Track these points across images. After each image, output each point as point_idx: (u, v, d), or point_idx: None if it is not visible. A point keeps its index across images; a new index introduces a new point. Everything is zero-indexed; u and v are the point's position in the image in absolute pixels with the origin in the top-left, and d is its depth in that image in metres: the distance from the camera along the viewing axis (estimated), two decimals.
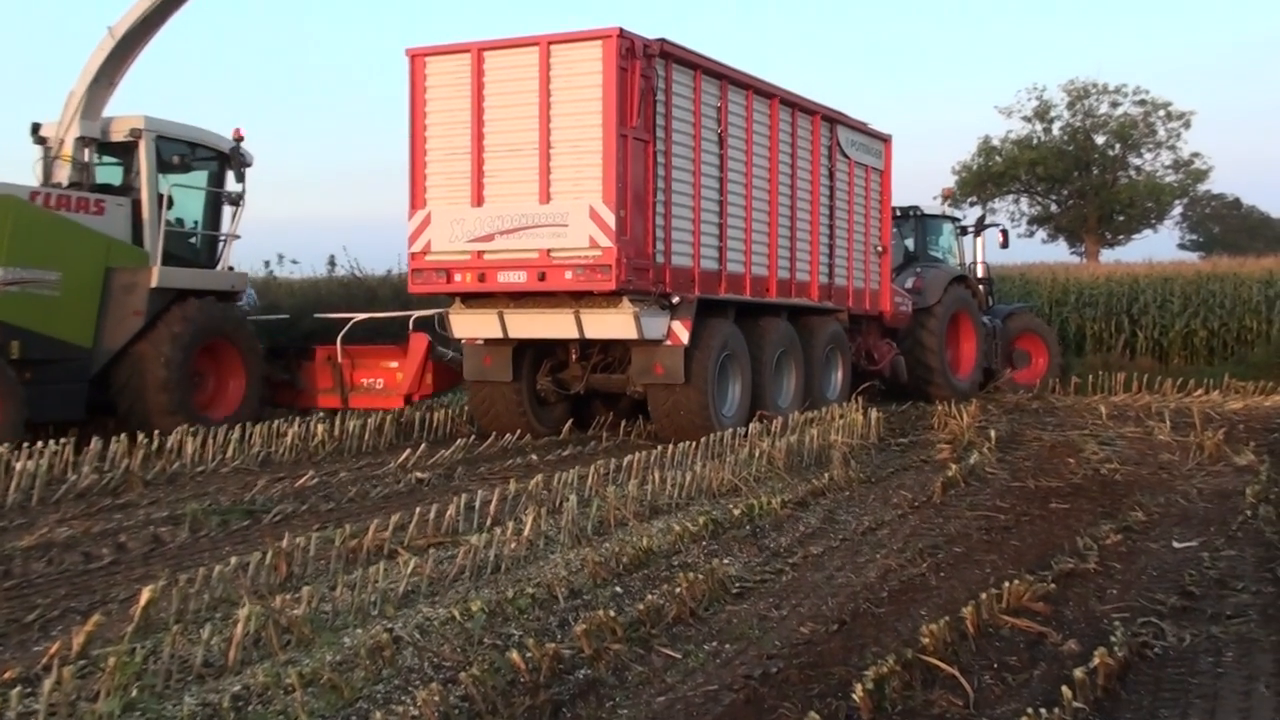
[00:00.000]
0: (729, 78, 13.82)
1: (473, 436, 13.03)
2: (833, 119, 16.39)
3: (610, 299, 12.35)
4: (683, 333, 12.72)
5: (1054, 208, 52.01)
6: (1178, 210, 53.02)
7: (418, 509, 8.30)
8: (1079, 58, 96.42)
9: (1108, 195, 49.20)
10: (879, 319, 18.18)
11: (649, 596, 6.46)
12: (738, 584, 6.94)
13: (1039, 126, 49.84)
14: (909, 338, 18.76)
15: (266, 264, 23.17)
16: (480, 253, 12.54)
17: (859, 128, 17.30)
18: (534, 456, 12.35)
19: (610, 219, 11.83)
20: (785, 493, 9.80)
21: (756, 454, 11.13)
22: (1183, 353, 25.69)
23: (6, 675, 5.24)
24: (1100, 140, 49.43)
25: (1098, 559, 7.55)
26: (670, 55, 12.72)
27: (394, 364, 14.89)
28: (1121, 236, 51.46)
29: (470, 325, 13.30)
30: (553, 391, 14.12)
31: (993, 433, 13.11)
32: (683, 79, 13.05)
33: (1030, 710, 4.59)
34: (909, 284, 19.16)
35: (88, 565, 7.56)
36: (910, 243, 20.71)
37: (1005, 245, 22.47)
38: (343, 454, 12.56)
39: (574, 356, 13.89)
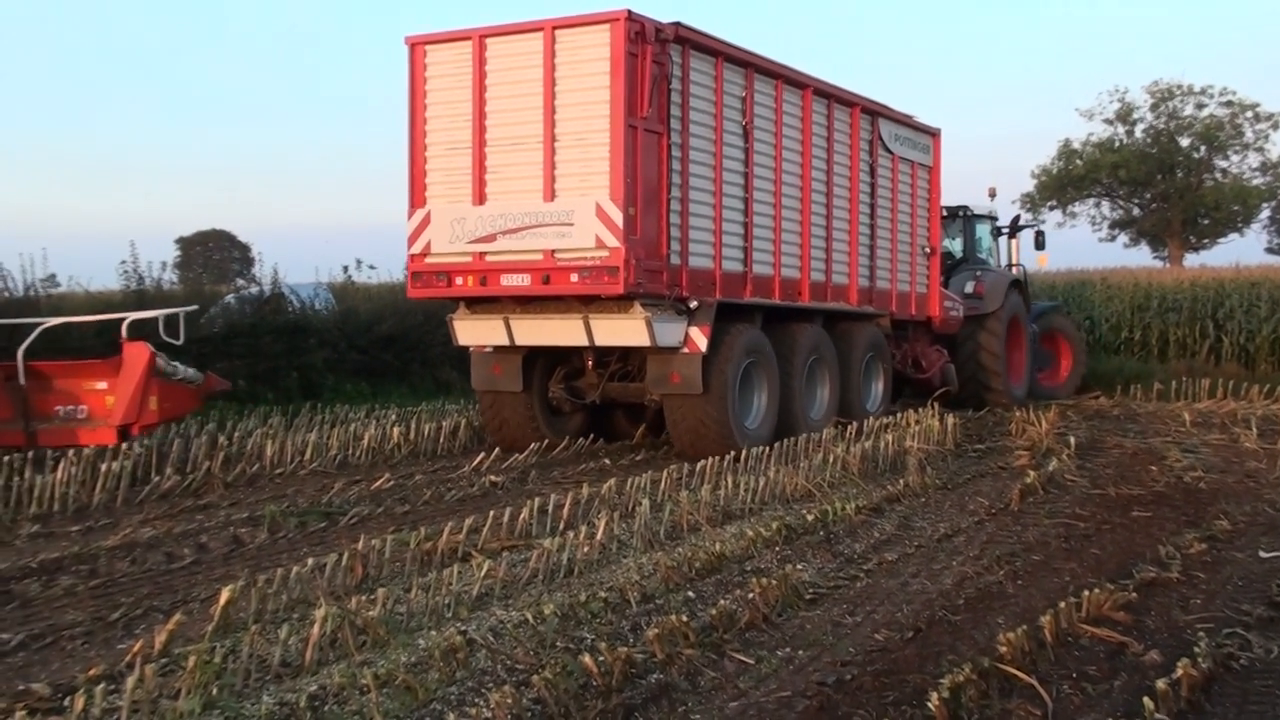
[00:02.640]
0: (755, 65, 12.88)
1: (545, 441, 12.98)
2: (874, 111, 15.52)
3: (621, 303, 11.44)
4: (700, 339, 11.84)
5: (1136, 211, 51.12)
6: (1265, 213, 51.79)
7: (491, 512, 8.36)
8: (1163, 59, 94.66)
9: (1192, 198, 48.28)
10: (927, 324, 17.33)
11: (721, 601, 6.44)
12: (811, 590, 6.89)
13: (1121, 129, 49.12)
14: (968, 344, 18.01)
15: (345, 269, 23.44)
16: (482, 254, 11.75)
17: (903, 121, 16.40)
18: (607, 460, 12.36)
19: (618, 217, 10.99)
20: (860, 498, 9.72)
21: (831, 459, 11.06)
22: (1270, 359, 25.03)
23: (92, 672, 5.35)
24: (1185, 142, 48.56)
25: (1181, 568, 7.39)
26: (687, 40, 11.82)
27: (103, 385, 11.24)
28: (1206, 240, 50.46)
29: (475, 332, 12.49)
30: (566, 400, 13.28)
31: (1072, 439, 12.89)
32: (702, 66, 12.16)
33: None
34: (969, 288, 18.35)
35: (170, 565, 7.70)
36: (958, 244, 19.97)
37: (1041, 247, 21.18)
38: (418, 457, 12.67)
39: (590, 363, 13.04)
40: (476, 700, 5.03)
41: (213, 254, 56.34)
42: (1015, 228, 21.25)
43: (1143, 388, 20.14)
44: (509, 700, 4.77)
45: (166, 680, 5.18)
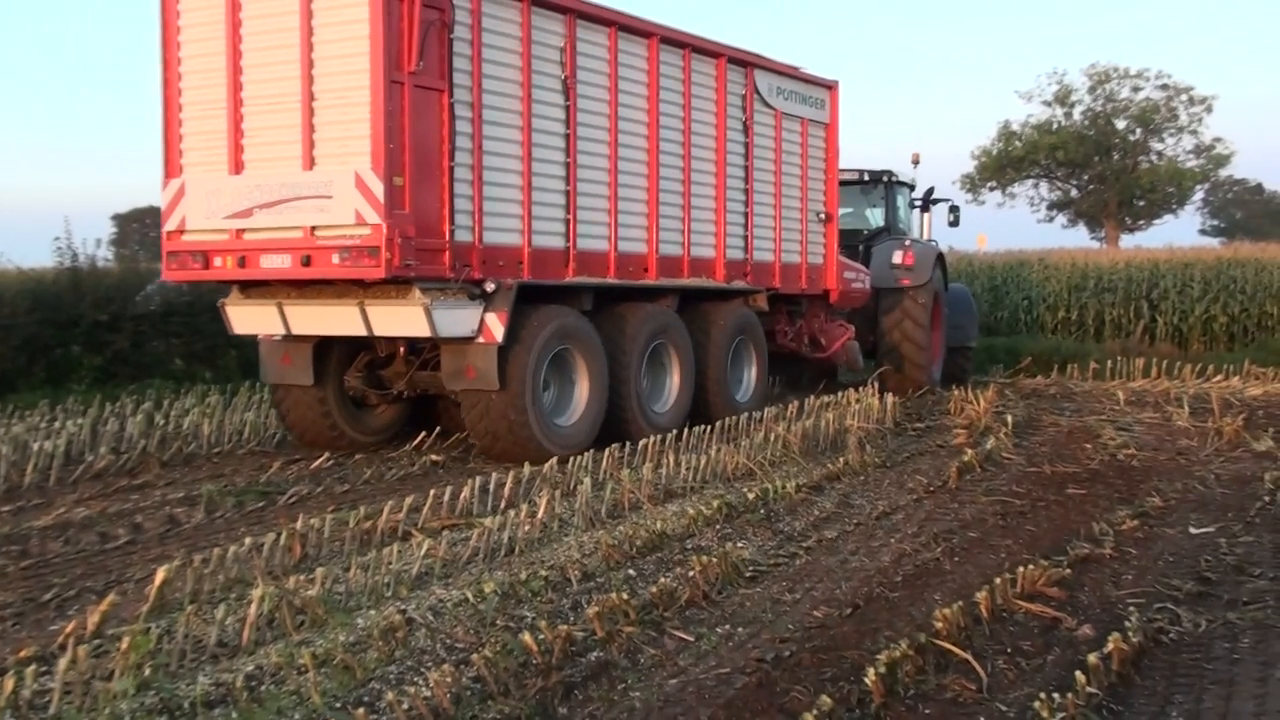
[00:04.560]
0: (577, 11, 11.15)
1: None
2: (746, 62, 13.61)
3: (400, 288, 9.90)
4: (497, 328, 10.18)
5: (1074, 193, 51.83)
6: (1199, 196, 52.94)
7: (432, 491, 8.32)
8: (1100, 42, 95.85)
9: (1128, 180, 49.01)
10: (825, 299, 15.62)
11: (662, 579, 6.46)
12: (751, 567, 6.94)
13: (1059, 111, 49.73)
14: (891, 316, 16.68)
15: None
16: (240, 231, 10.06)
17: (788, 73, 14.49)
18: None
19: (379, 189, 9.38)
20: (800, 476, 9.78)
21: (772, 438, 11.11)
22: (1202, 339, 25.51)
23: (22, 654, 5.27)
24: (1121, 125, 49.27)
25: (1113, 544, 7.52)
26: None
27: None
28: (1142, 222, 51.36)
29: (249, 319, 10.77)
30: (370, 392, 11.58)
31: (1009, 418, 13.05)
32: (500, 12, 10.45)
33: (1043, 695, 4.58)
34: (898, 258, 16.79)
35: (104, 545, 7.60)
36: (880, 212, 18.34)
37: (955, 224, 19.65)
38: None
39: (402, 350, 11.26)
40: (416, 679, 5.02)
41: (149, 231, 55.44)
42: (929, 200, 19.44)
43: (1079, 367, 20.41)
44: (448, 679, 4.76)
45: (100, 661, 5.11)
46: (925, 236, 19.13)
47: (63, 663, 4.78)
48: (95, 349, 15.72)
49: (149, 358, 16.37)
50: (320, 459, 10.55)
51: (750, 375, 13.99)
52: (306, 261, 9.79)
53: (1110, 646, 5.13)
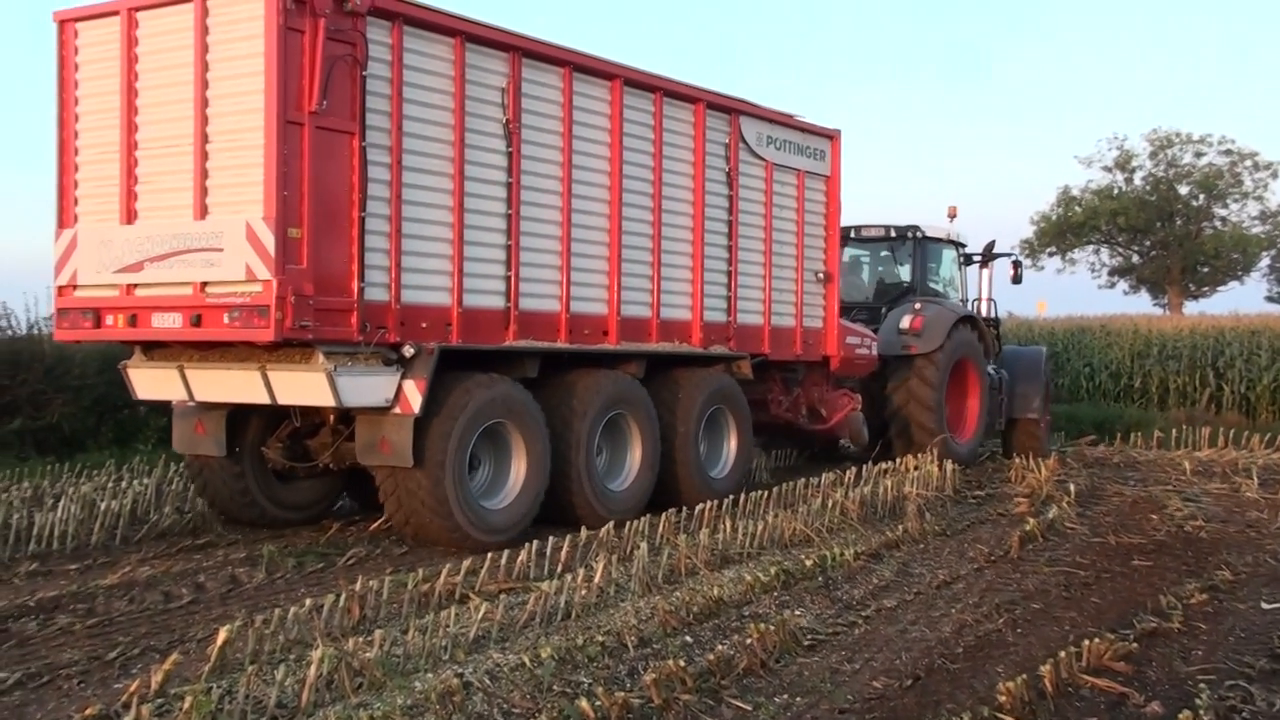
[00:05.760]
0: (522, 49, 10.19)
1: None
2: (729, 108, 12.50)
3: (304, 351, 8.88)
4: (414, 397, 9.16)
5: (1136, 259, 51.34)
6: (1265, 262, 52.01)
7: (489, 554, 8.35)
8: (1161, 107, 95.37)
9: (1192, 246, 48.48)
10: (825, 366, 14.40)
11: (719, 647, 6.43)
12: (809, 636, 6.88)
13: (1120, 176, 49.38)
14: (899, 388, 15.40)
15: None
16: (131, 286, 9.21)
17: (781, 121, 13.35)
18: None
19: (270, 241, 8.41)
20: (859, 544, 9.70)
21: (830, 504, 11.04)
22: (1271, 408, 25.04)
23: (88, 712, 5.32)
24: (1184, 190, 48.81)
25: (1182, 619, 7.37)
26: (398, 15, 9.21)
27: None
28: (1206, 288, 50.62)
29: (151, 384, 9.86)
30: (293, 464, 10.46)
31: (1072, 487, 12.88)
32: (427, 48, 9.51)
33: None
34: (905, 323, 15.54)
35: (167, 605, 7.70)
36: (906, 270, 17.08)
37: (1018, 280, 18.35)
38: None
39: (331, 419, 10.13)
40: None
41: None
42: (989, 256, 18.09)
43: (1143, 435, 20.10)
44: None
45: None
46: (985, 294, 18.18)
47: None
48: (161, 410, 16.00)
49: None
50: (378, 521, 10.61)
51: (729, 448, 12.66)
52: (197, 321, 8.89)
53: None
